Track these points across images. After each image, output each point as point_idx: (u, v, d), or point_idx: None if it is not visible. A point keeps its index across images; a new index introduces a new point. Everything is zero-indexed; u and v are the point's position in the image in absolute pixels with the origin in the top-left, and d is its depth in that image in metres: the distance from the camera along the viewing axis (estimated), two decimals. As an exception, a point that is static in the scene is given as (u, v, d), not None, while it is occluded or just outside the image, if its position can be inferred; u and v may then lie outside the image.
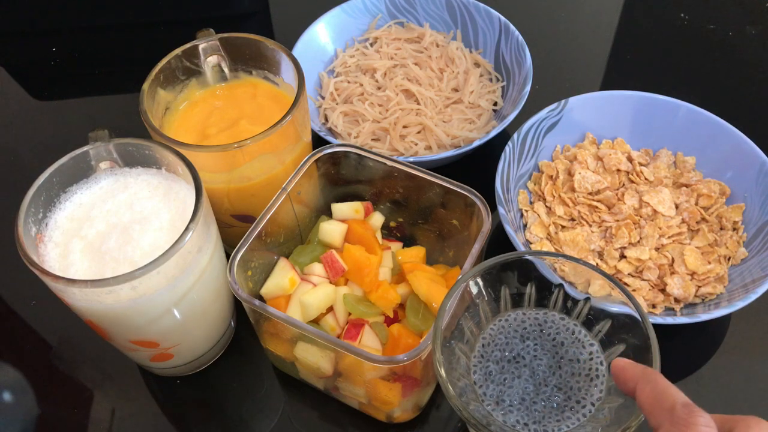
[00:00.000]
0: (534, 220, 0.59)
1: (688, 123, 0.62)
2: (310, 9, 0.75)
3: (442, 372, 0.38)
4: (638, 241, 0.56)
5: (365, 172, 0.52)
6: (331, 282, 0.50)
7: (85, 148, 0.47)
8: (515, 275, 0.43)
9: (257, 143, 0.48)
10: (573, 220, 0.59)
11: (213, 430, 0.53)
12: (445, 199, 0.50)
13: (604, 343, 0.41)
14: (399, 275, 0.51)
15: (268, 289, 0.49)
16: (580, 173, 0.60)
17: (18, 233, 0.42)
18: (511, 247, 0.54)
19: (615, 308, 0.41)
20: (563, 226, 0.58)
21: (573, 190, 0.60)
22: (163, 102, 0.54)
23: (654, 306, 0.54)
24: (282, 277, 0.49)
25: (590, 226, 0.58)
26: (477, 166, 0.67)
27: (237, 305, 0.55)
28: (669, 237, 0.57)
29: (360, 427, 0.52)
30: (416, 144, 0.65)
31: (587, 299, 0.42)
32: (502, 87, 0.70)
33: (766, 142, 0.59)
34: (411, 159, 0.61)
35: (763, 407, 0.52)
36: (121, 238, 0.44)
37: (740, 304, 0.50)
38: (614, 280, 0.40)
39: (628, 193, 0.59)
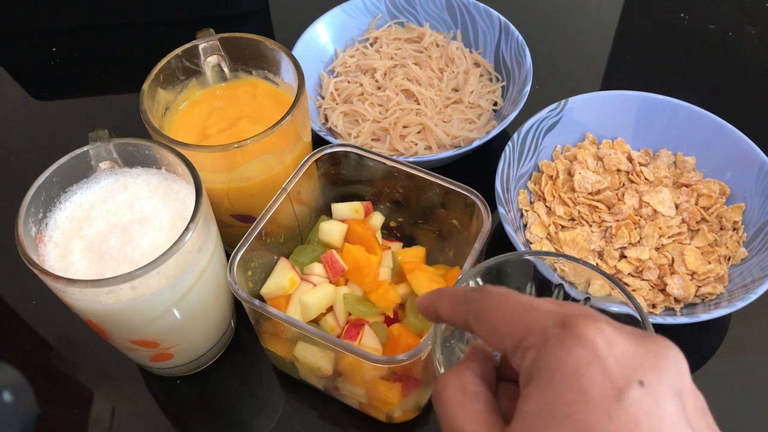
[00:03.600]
0: (534, 220, 0.59)
1: (688, 123, 0.62)
2: (310, 9, 0.75)
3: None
4: (638, 241, 0.56)
5: (365, 172, 0.52)
6: (331, 282, 0.50)
7: (85, 148, 0.47)
8: (515, 275, 0.43)
9: (257, 143, 0.48)
10: (573, 220, 0.59)
11: (213, 430, 0.53)
12: (445, 199, 0.50)
13: (604, 343, 0.41)
14: (399, 275, 0.51)
15: (268, 289, 0.49)
16: (580, 173, 0.60)
17: (18, 233, 0.42)
18: (511, 247, 0.54)
19: (615, 308, 0.40)
20: (563, 226, 0.58)
21: (573, 190, 0.60)
22: (163, 102, 0.54)
23: (654, 306, 0.54)
24: (282, 277, 0.49)
25: (590, 226, 0.58)
26: (477, 166, 0.67)
27: (237, 305, 0.55)
28: (669, 237, 0.57)
29: (360, 427, 0.52)
30: (416, 144, 0.65)
31: (587, 299, 0.42)
32: (502, 87, 0.70)
33: (766, 142, 0.59)
34: (411, 159, 0.61)
35: (764, 407, 0.52)
36: (121, 238, 0.44)
37: (740, 304, 0.50)
38: (614, 280, 0.40)
39: (628, 193, 0.59)
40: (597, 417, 0.21)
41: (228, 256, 0.47)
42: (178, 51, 0.54)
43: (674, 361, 0.23)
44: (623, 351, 0.23)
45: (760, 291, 0.50)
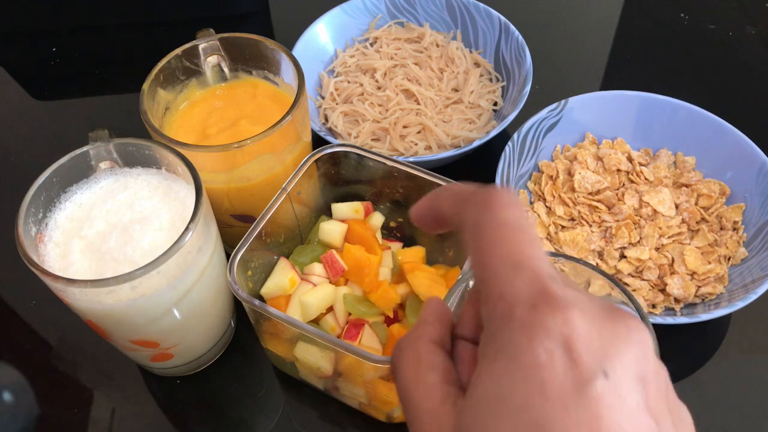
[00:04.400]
0: (534, 220, 0.59)
1: (688, 123, 0.62)
2: (310, 9, 0.75)
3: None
4: (638, 241, 0.56)
5: (365, 172, 0.52)
6: (331, 282, 0.50)
7: (85, 148, 0.47)
8: (515, 275, 0.43)
9: (257, 143, 0.48)
10: (573, 220, 0.59)
11: (213, 430, 0.53)
12: (445, 199, 0.50)
13: (604, 343, 0.41)
14: (399, 275, 0.51)
15: (268, 289, 0.49)
16: (580, 173, 0.60)
17: (18, 233, 0.42)
18: (511, 247, 0.54)
19: (615, 308, 0.40)
20: (563, 226, 0.58)
21: (573, 190, 0.60)
22: (163, 102, 0.54)
23: (654, 306, 0.54)
24: (282, 277, 0.49)
25: (590, 226, 0.58)
26: (477, 166, 0.67)
27: (237, 305, 0.55)
28: (669, 237, 0.57)
29: (360, 427, 0.52)
30: (416, 144, 0.65)
31: (587, 299, 0.42)
32: (502, 87, 0.70)
33: (766, 142, 0.59)
34: (411, 159, 0.61)
35: (764, 407, 0.52)
36: (121, 238, 0.44)
37: (740, 304, 0.50)
38: (614, 280, 0.40)
39: (628, 193, 0.59)
40: (554, 412, 0.20)
41: (228, 256, 0.47)
42: (178, 51, 0.54)
43: (639, 345, 0.22)
44: (588, 341, 0.21)
45: (760, 291, 0.50)
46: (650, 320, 0.39)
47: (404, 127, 0.66)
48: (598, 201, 0.59)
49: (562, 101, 0.62)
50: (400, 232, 0.56)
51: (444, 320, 0.26)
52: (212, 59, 0.56)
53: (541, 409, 0.20)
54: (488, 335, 0.23)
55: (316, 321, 0.49)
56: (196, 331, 0.50)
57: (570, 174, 0.61)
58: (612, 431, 0.20)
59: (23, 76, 0.80)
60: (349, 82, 0.70)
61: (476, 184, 0.26)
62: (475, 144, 0.61)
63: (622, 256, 0.56)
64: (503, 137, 0.63)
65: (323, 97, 0.70)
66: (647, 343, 0.22)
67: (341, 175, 0.53)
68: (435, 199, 0.28)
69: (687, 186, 0.60)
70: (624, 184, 0.60)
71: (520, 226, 0.24)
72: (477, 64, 0.72)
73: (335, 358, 0.46)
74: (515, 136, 0.60)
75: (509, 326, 0.22)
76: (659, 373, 0.23)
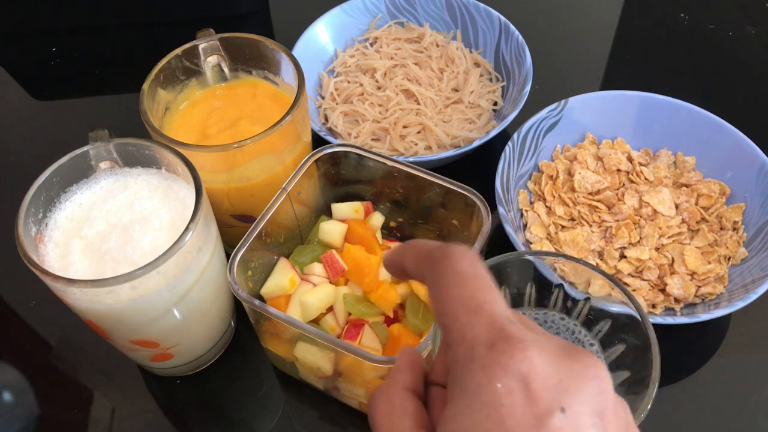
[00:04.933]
0: (534, 220, 0.59)
1: (688, 123, 0.62)
2: (310, 9, 0.75)
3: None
4: (638, 241, 0.56)
5: (365, 172, 0.52)
6: (331, 282, 0.50)
7: (85, 148, 0.47)
8: (515, 275, 0.43)
9: (257, 143, 0.48)
10: (573, 220, 0.59)
11: (213, 430, 0.53)
12: (445, 199, 0.50)
13: (604, 343, 0.41)
14: (399, 275, 0.51)
15: (268, 289, 0.49)
16: (580, 173, 0.60)
17: (18, 233, 0.42)
18: (511, 247, 0.54)
19: (615, 308, 0.41)
20: (563, 226, 0.58)
21: (573, 190, 0.60)
22: (163, 102, 0.54)
23: (654, 306, 0.54)
24: (282, 277, 0.49)
25: (590, 226, 0.58)
26: (477, 166, 0.67)
27: (237, 305, 0.55)
28: (669, 237, 0.57)
29: (360, 427, 0.52)
30: (416, 144, 0.65)
31: (587, 299, 0.42)
32: (502, 87, 0.70)
33: (766, 142, 0.59)
34: (411, 159, 0.61)
35: (764, 407, 0.52)
36: (121, 238, 0.44)
37: (740, 304, 0.50)
38: (614, 280, 0.40)
39: (628, 193, 0.59)
40: None
41: (228, 256, 0.47)
42: (178, 51, 0.54)
43: (596, 381, 0.23)
44: (546, 378, 0.22)
45: (760, 291, 0.50)
46: (650, 320, 0.39)
47: (404, 127, 0.66)
48: (598, 201, 0.59)
49: (562, 101, 0.62)
50: (400, 232, 0.56)
51: (416, 367, 0.28)
52: (212, 59, 0.56)
53: None
54: (453, 377, 0.24)
55: (316, 321, 0.49)
56: (196, 331, 0.50)
57: (570, 174, 0.61)
58: None
59: (23, 76, 0.80)
60: (349, 82, 0.70)
61: (437, 243, 0.27)
62: (475, 144, 0.61)
63: (622, 256, 0.56)
64: (503, 137, 0.63)
65: (323, 97, 0.70)
66: (604, 379, 0.23)
67: (341, 175, 0.53)
68: (400, 255, 0.29)
69: (687, 186, 0.60)
70: (624, 184, 0.60)
71: (476, 275, 0.25)
72: (477, 64, 0.72)
73: (335, 358, 0.46)
74: (515, 136, 0.60)
75: (470, 366, 0.23)
76: (618, 407, 0.24)
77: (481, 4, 0.72)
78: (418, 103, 0.67)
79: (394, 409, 0.26)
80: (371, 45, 0.74)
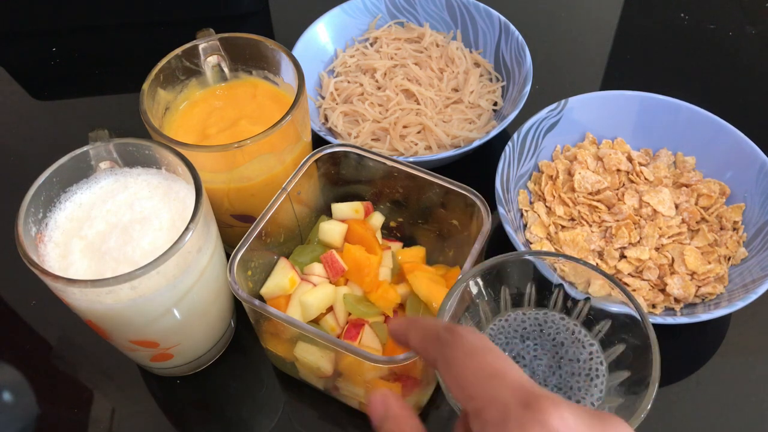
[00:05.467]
0: (534, 220, 0.59)
1: (688, 123, 0.62)
2: (310, 9, 0.75)
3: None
4: (638, 241, 0.56)
5: (365, 172, 0.52)
6: (331, 282, 0.50)
7: (85, 148, 0.47)
8: (515, 275, 0.43)
9: (257, 143, 0.48)
10: (573, 220, 0.59)
11: (213, 430, 0.53)
12: (445, 199, 0.50)
13: (604, 343, 0.41)
14: (399, 275, 0.51)
15: (268, 289, 0.49)
16: (580, 173, 0.60)
17: (18, 233, 0.42)
18: (511, 247, 0.54)
19: (615, 308, 0.41)
20: (563, 226, 0.58)
21: (573, 190, 0.60)
22: (163, 102, 0.54)
23: (654, 306, 0.54)
24: (282, 277, 0.49)
25: (590, 226, 0.58)
26: (477, 166, 0.67)
27: (237, 305, 0.55)
28: (669, 237, 0.57)
29: (360, 427, 0.52)
30: (416, 144, 0.65)
31: (587, 299, 0.42)
32: (502, 87, 0.70)
33: (766, 142, 0.59)
34: (411, 159, 0.61)
35: (764, 407, 0.52)
36: (121, 238, 0.44)
37: (740, 304, 0.50)
38: (614, 280, 0.40)
39: (628, 193, 0.59)
40: None
41: (228, 256, 0.47)
42: (178, 51, 0.54)
43: None
44: None
45: (760, 291, 0.50)
46: (650, 320, 0.39)
47: (404, 127, 0.66)
48: (598, 201, 0.59)
49: (562, 101, 0.62)
50: (400, 232, 0.56)
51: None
52: (212, 59, 0.56)
53: None
54: None
55: (316, 321, 0.49)
56: (196, 331, 0.50)
57: (570, 174, 0.61)
58: None
59: (23, 76, 0.80)
60: (349, 82, 0.70)
61: (442, 323, 0.28)
62: (475, 144, 0.61)
63: (622, 256, 0.56)
64: (503, 137, 0.63)
65: (323, 97, 0.70)
66: None
67: (341, 175, 0.53)
68: (404, 333, 0.30)
69: (687, 186, 0.60)
70: (624, 184, 0.60)
71: (487, 347, 0.26)
72: (477, 64, 0.72)
73: (335, 358, 0.46)
74: (515, 136, 0.60)
75: (506, 426, 0.23)
76: None
77: (481, 4, 0.72)
78: (418, 103, 0.67)
79: None
80: (371, 45, 0.74)
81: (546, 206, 0.60)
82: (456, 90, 0.69)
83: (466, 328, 0.28)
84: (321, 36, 0.73)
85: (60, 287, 0.41)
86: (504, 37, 0.70)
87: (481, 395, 0.25)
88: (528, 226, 0.59)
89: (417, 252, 0.53)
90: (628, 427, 0.24)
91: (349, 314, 0.49)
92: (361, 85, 0.69)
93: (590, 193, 0.59)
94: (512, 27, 0.70)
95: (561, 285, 0.42)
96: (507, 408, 0.24)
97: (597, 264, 0.56)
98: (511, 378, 0.25)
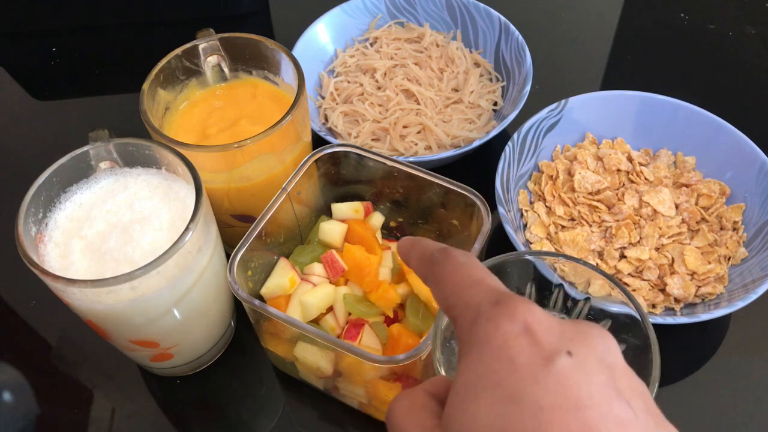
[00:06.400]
0: (534, 220, 0.59)
1: (688, 123, 0.62)
2: (310, 9, 0.75)
3: (443, 372, 0.38)
4: (638, 241, 0.56)
5: (365, 172, 0.52)
6: (331, 282, 0.50)
7: (85, 148, 0.47)
8: (515, 275, 0.43)
9: (257, 143, 0.48)
10: (573, 220, 0.59)
11: (213, 430, 0.53)
12: (445, 199, 0.50)
13: (604, 343, 0.41)
14: (399, 275, 0.51)
15: (268, 289, 0.49)
16: (580, 173, 0.60)
17: (18, 233, 0.42)
18: (511, 247, 0.54)
19: (615, 308, 0.40)
20: (563, 226, 0.58)
21: (573, 190, 0.60)
22: (163, 102, 0.54)
23: (654, 306, 0.54)
24: (282, 277, 0.49)
25: (590, 226, 0.58)
26: (477, 166, 0.67)
27: (237, 305, 0.55)
28: (669, 237, 0.57)
29: (360, 427, 0.52)
30: (416, 144, 0.65)
31: (587, 299, 0.42)
32: (502, 87, 0.70)
33: (766, 142, 0.59)
34: (411, 159, 0.61)
35: (764, 407, 0.52)
36: (121, 238, 0.44)
37: (740, 304, 0.50)
38: (614, 280, 0.40)
39: (628, 193, 0.59)
40: (525, 382, 0.22)
41: (228, 256, 0.47)
42: (178, 51, 0.54)
43: (602, 339, 0.23)
44: (551, 327, 0.23)
45: (760, 291, 0.50)
46: (650, 320, 0.39)
47: (404, 127, 0.66)
48: (598, 201, 0.59)
49: (562, 101, 0.62)
50: (400, 232, 0.56)
51: (444, 382, 0.28)
52: (212, 59, 0.56)
53: (514, 382, 0.22)
54: (461, 343, 0.25)
55: (316, 321, 0.49)
56: (196, 331, 0.50)
57: (570, 174, 0.61)
58: (582, 399, 0.21)
59: (23, 76, 0.80)
60: (349, 82, 0.70)
61: (439, 245, 0.30)
62: (475, 144, 0.61)
63: (622, 256, 0.56)
64: (503, 137, 0.63)
65: (323, 97, 0.70)
66: (610, 340, 0.24)
67: (341, 175, 0.53)
68: (408, 249, 0.31)
69: (687, 186, 0.60)
70: (624, 184, 0.60)
71: (473, 264, 0.27)
72: (477, 64, 0.72)
73: (335, 358, 0.46)
74: (515, 136, 0.60)
75: (477, 322, 0.24)
76: (633, 376, 0.24)
77: (481, 4, 0.72)
78: (418, 103, 0.67)
79: (415, 404, 0.26)
80: (371, 45, 0.74)
81: (546, 206, 0.60)
82: (456, 90, 0.69)
83: (457, 250, 0.29)
84: (321, 36, 0.73)
85: (60, 287, 0.41)
86: (504, 37, 0.70)
87: (460, 302, 0.26)
88: (528, 226, 0.59)
89: (417, 252, 0.53)
90: (606, 332, 0.24)
91: (349, 314, 0.49)
92: (361, 85, 0.69)
93: (590, 193, 0.59)
94: (512, 27, 0.70)
95: (561, 285, 0.42)
96: (479, 307, 0.24)
97: (597, 264, 0.56)
98: (488, 284, 0.26)
